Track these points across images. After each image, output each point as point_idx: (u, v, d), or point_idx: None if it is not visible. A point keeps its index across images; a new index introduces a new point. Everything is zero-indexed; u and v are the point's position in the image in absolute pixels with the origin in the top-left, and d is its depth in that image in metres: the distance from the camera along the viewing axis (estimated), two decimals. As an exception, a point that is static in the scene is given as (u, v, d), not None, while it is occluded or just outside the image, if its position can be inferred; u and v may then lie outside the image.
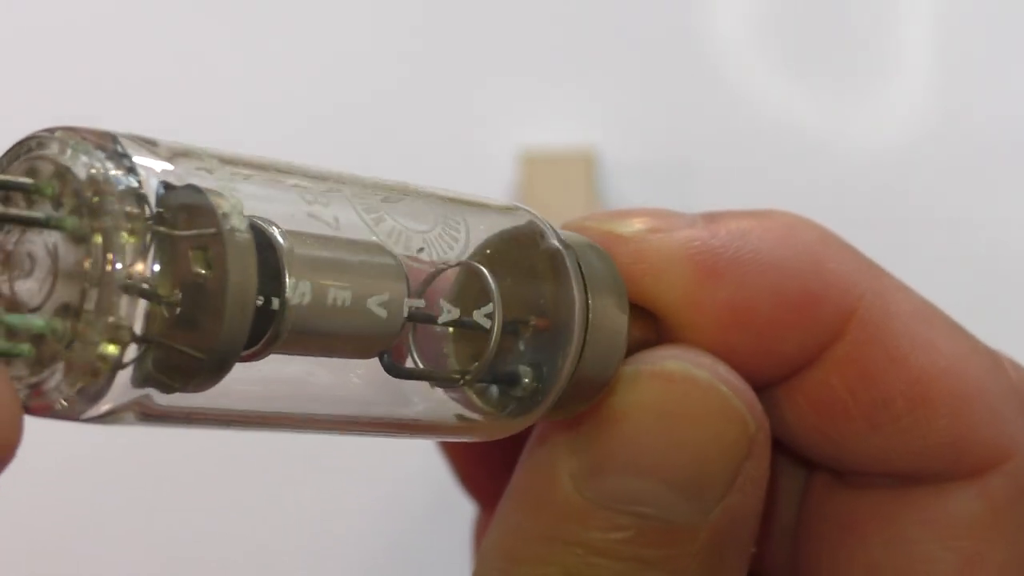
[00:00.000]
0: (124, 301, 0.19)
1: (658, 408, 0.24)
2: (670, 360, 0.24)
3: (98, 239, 0.20)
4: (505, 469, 0.26)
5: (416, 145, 0.63)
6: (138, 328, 0.20)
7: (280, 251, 0.21)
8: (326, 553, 0.61)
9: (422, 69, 0.64)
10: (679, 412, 0.24)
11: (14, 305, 0.20)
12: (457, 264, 0.24)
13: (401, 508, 0.61)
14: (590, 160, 0.62)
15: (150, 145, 0.21)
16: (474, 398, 0.24)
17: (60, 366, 0.20)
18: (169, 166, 0.21)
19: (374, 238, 0.23)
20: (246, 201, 0.21)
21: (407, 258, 0.23)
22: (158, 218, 0.20)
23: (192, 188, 0.21)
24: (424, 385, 0.24)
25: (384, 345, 0.23)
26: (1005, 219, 0.63)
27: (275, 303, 0.21)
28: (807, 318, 0.25)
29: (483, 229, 0.25)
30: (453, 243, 0.24)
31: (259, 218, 0.21)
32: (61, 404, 0.20)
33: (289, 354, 0.22)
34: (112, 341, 0.20)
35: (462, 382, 0.24)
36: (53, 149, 0.20)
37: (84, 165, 0.20)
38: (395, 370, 0.24)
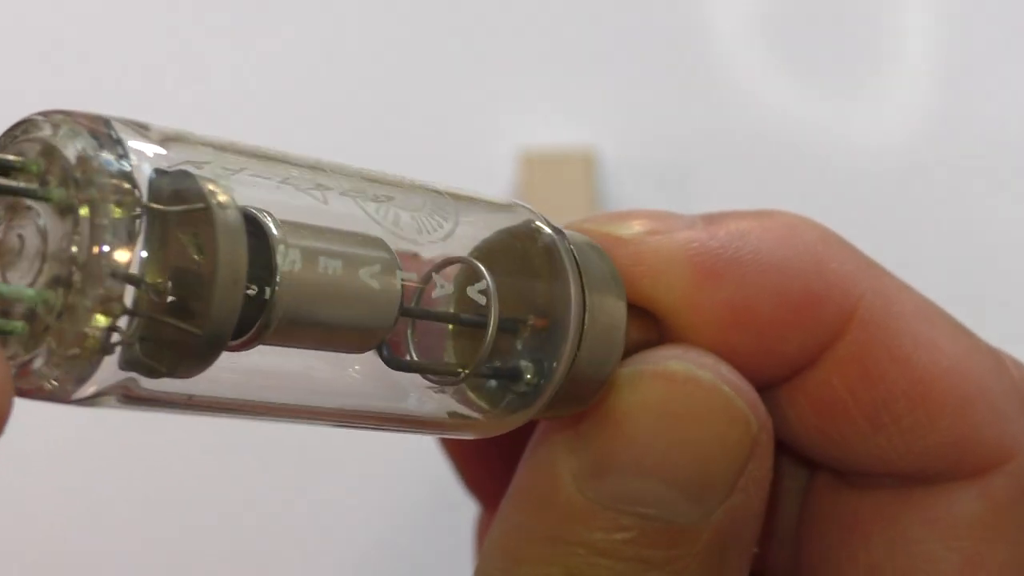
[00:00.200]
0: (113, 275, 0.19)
1: (661, 408, 0.24)
2: (673, 360, 0.24)
3: (85, 211, 0.19)
4: (507, 468, 0.26)
5: (416, 145, 0.63)
6: (128, 301, 0.20)
7: (272, 239, 0.21)
8: (326, 552, 0.61)
9: (422, 69, 0.64)
10: (682, 412, 0.24)
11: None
12: (454, 260, 0.24)
13: (403, 506, 0.61)
14: (590, 160, 0.62)
15: (142, 129, 0.21)
16: (471, 394, 0.24)
17: (50, 342, 0.20)
18: (161, 150, 0.21)
19: (372, 224, 0.23)
20: (238, 188, 0.21)
21: (403, 254, 0.23)
22: (149, 198, 0.20)
23: (183, 172, 0.21)
24: (421, 381, 0.24)
25: (379, 335, 0.23)
26: (1005, 219, 0.63)
27: (267, 293, 0.21)
28: (808, 318, 0.25)
29: (474, 221, 0.25)
30: (438, 227, 0.24)
31: (253, 207, 0.21)
32: (50, 384, 0.20)
33: (281, 345, 0.22)
34: (103, 312, 0.19)
35: (462, 375, 0.24)
36: (45, 131, 0.20)
37: (74, 146, 0.20)
38: (395, 363, 0.23)
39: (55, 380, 0.20)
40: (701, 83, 0.64)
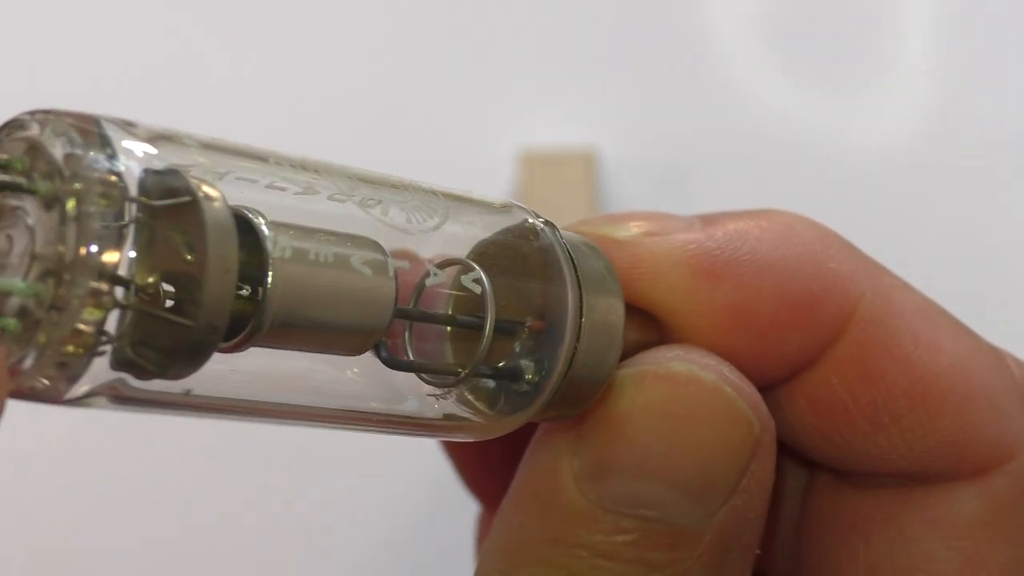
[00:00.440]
0: (102, 268, 0.19)
1: (662, 410, 0.24)
2: (675, 361, 0.24)
3: (71, 204, 0.19)
4: (508, 468, 0.26)
5: (416, 145, 0.63)
6: (119, 295, 0.19)
7: (263, 239, 0.21)
8: (326, 552, 0.61)
9: (422, 69, 0.64)
10: (684, 414, 0.24)
11: None
12: (451, 261, 0.24)
13: (403, 506, 0.61)
14: (590, 160, 0.62)
15: (131, 128, 0.21)
16: (468, 396, 0.24)
17: (41, 339, 0.19)
18: (151, 149, 0.20)
19: (361, 217, 0.23)
20: (229, 188, 0.21)
21: (399, 255, 0.23)
22: (138, 195, 0.20)
23: (173, 171, 0.20)
24: (416, 382, 0.24)
25: (373, 337, 0.23)
26: (1006, 218, 0.63)
27: (259, 294, 0.21)
28: (808, 318, 0.25)
29: (470, 222, 0.24)
30: (427, 218, 0.24)
31: (244, 207, 0.21)
32: (42, 383, 0.20)
33: (275, 347, 0.22)
34: (94, 306, 0.19)
35: (461, 375, 0.23)
36: (32, 130, 0.20)
37: (60, 144, 0.20)
38: (393, 362, 0.23)
39: (46, 379, 0.20)
40: (701, 83, 0.64)
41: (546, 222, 0.25)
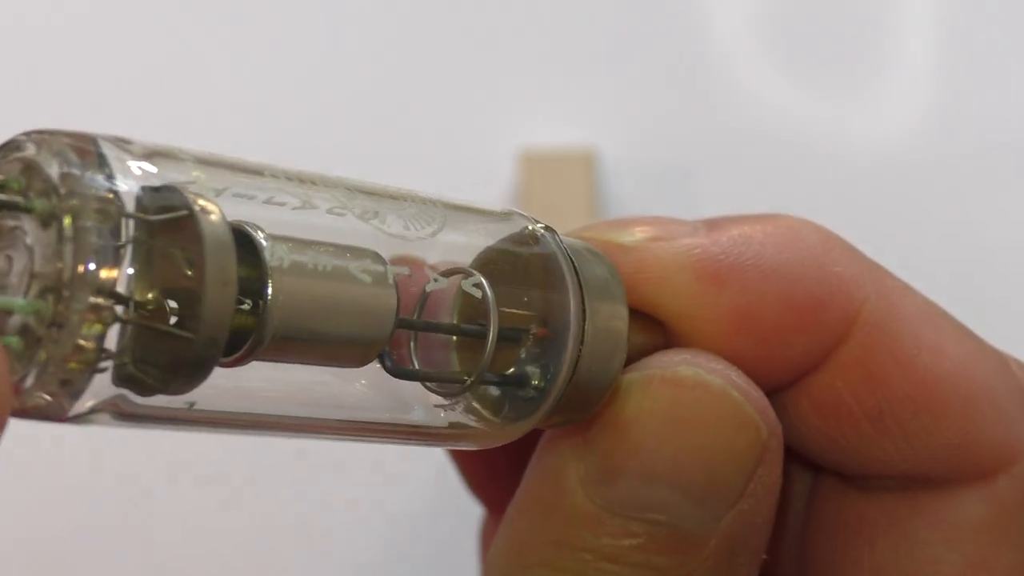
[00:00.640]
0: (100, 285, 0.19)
1: (669, 414, 0.24)
2: (682, 366, 0.24)
3: (68, 221, 0.19)
4: (513, 473, 0.26)
5: (416, 145, 0.63)
6: (119, 310, 0.20)
7: (262, 252, 0.21)
8: (327, 555, 0.61)
9: (422, 69, 0.64)
10: (691, 418, 0.24)
11: None
12: (455, 271, 0.24)
13: (407, 511, 0.61)
14: (590, 160, 0.62)
15: (128, 145, 0.21)
16: (474, 404, 0.24)
17: (42, 356, 0.19)
18: (149, 167, 0.21)
19: (359, 227, 0.23)
20: (228, 204, 0.21)
21: (400, 262, 0.23)
22: (135, 211, 0.20)
23: (170, 188, 0.20)
24: (423, 392, 0.24)
25: (375, 348, 0.23)
26: (1006, 218, 0.63)
27: (260, 307, 0.21)
28: (812, 322, 0.25)
29: (472, 231, 0.25)
30: (425, 226, 0.24)
31: (243, 222, 0.21)
32: (45, 399, 0.20)
33: (276, 360, 0.22)
34: (94, 321, 0.19)
35: (467, 383, 0.23)
36: (29, 151, 0.20)
37: (57, 163, 0.20)
38: (398, 371, 0.23)
39: (49, 395, 0.20)
40: (701, 83, 0.64)
41: (547, 228, 0.25)
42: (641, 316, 0.25)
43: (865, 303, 0.25)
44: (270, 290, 0.21)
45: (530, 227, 0.25)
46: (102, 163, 0.20)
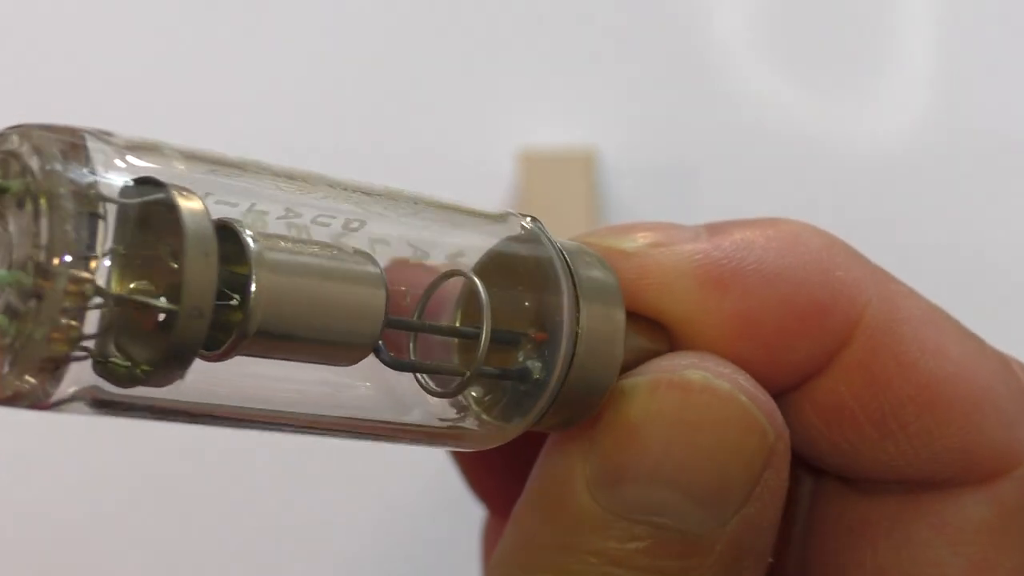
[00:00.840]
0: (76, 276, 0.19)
1: (676, 417, 0.24)
2: (690, 369, 0.24)
3: (44, 199, 0.19)
4: (514, 474, 0.26)
5: (416, 145, 0.63)
6: (100, 282, 0.20)
7: (245, 243, 0.21)
8: (327, 557, 0.61)
9: (422, 69, 0.64)
10: (698, 422, 0.24)
11: None
12: (451, 273, 0.24)
13: (408, 511, 0.61)
14: (590, 160, 0.62)
15: (108, 137, 0.21)
16: (469, 404, 0.24)
17: (25, 331, 0.19)
18: (136, 160, 0.21)
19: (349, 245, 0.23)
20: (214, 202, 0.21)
21: (397, 264, 0.23)
22: (119, 206, 0.20)
23: (154, 182, 0.21)
24: (419, 392, 0.24)
25: (363, 350, 0.22)
26: (1006, 219, 0.63)
27: (245, 302, 0.21)
28: (814, 327, 0.25)
29: (468, 235, 0.25)
30: (419, 231, 0.24)
31: (231, 219, 0.21)
32: (27, 383, 0.20)
33: (261, 356, 0.22)
34: (76, 291, 0.19)
35: (467, 375, 0.23)
36: (12, 143, 0.20)
37: (40, 155, 0.20)
38: (396, 363, 0.23)
39: (32, 378, 0.20)
40: (701, 83, 0.64)
41: (533, 219, 0.25)
42: (645, 320, 0.25)
43: (867, 307, 0.25)
44: (253, 284, 0.21)
45: (526, 229, 0.25)
46: (83, 154, 0.20)
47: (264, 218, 0.22)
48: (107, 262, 0.20)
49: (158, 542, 0.61)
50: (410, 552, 0.61)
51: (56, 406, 0.20)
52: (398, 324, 0.23)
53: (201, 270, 0.20)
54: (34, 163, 0.20)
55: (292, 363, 0.22)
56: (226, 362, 0.21)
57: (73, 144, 0.20)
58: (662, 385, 0.24)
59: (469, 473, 0.31)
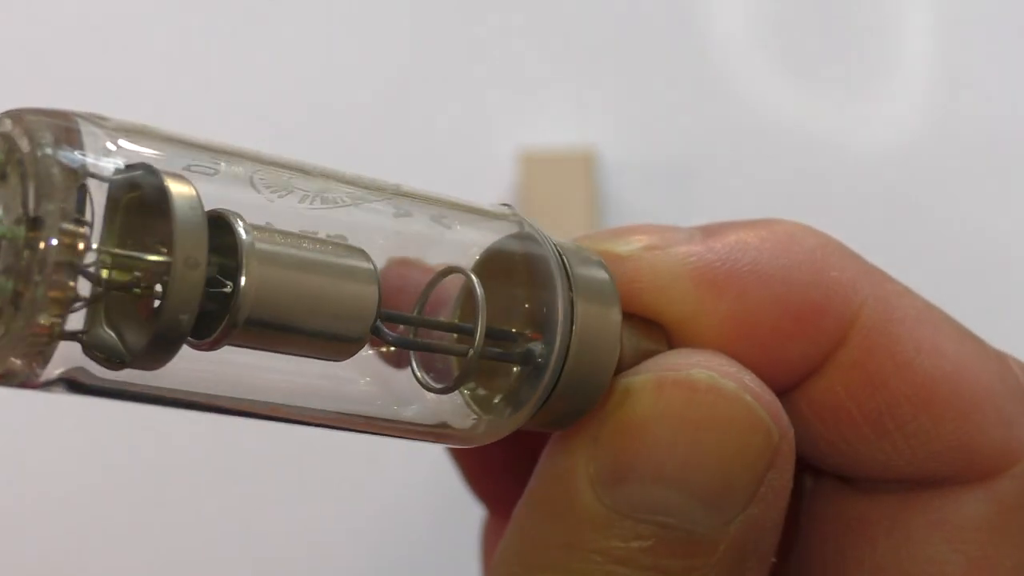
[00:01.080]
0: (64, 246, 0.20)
1: (682, 416, 0.24)
2: (696, 368, 0.24)
3: (33, 178, 0.20)
4: (515, 473, 0.26)
5: (416, 145, 0.63)
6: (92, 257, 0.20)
7: (237, 232, 0.21)
8: (329, 555, 0.61)
9: (422, 69, 0.64)
10: (703, 421, 0.24)
11: None
12: (449, 270, 0.24)
13: (408, 511, 0.61)
14: (590, 160, 0.62)
15: (101, 120, 0.21)
16: (466, 396, 0.24)
17: (13, 309, 0.20)
18: (129, 144, 0.21)
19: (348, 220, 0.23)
20: (203, 184, 0.21)
21: (397, 262, 0.23)
22: (110, 190, 0.20)
23: (147, 167, 0.21)
24: (415, 387, 0.24)
25: (354, 345, 0.23)
26: (1006, 218, 0.63)
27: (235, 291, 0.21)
28: (810, 327, 0.25)
29: (467, 232, 0.25)
30: (425, 227, 0.24)
31: (225, 209, 0.21)
32: (15, 363, 0.20)
33: (251, 347, 0.22)
34: (67, 245, 0.19)
35: (470, 354, 0.23)
36: (5, 127, 0.21)
37: (32, 137, 0.20)
38: (400, 342, 0.23)
39: (20, 358, 0.20)
40: (701, 83, 0.64)
41: (529, 226, 0.25)
42: (643, 320, 0.25)
43: (863, 306, 0.25)
44: (243, 273, 0.21)
45: (525, 228, 0.25)
46: (75, 136, 0.20)
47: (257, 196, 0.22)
48: (95, 244, 0.20)
49: (157, 542, 0.61)
50: (410, 552, 0.61)
51: (46, 386, 0.20)
52: (395, 318, 0.23)
53: (190, 223, 0.20)
54: (24, 144, 0.20)
55: (284, 355, 0.22)
56: (218, 351, 0.21)
57: (66, 128, 0.20)
58: (667, 384, 0.24)
59: (469, 473, 0.31)
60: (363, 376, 0.24)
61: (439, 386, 0.24)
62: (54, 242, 0.19)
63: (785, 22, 0.65)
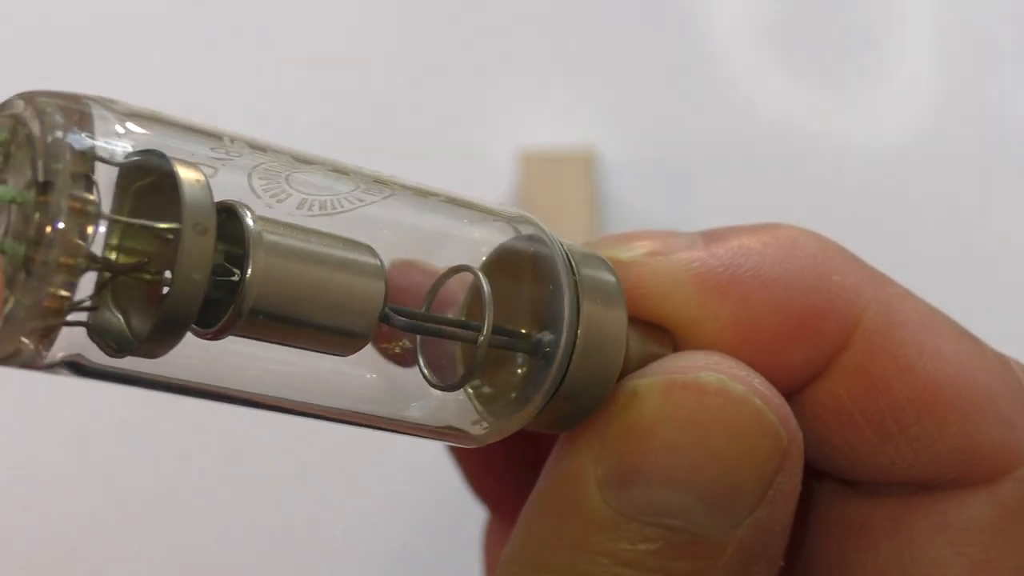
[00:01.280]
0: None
1: (690, 419, 0.24)
2: (705, 371, 0.24)
3: (42, 161, 0.20)
4: (517, 475, 0.26)
5: (416, 145, 0.63)
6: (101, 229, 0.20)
7: (244, 223, 0.21)
8: (328, 555, 0.61)
9: (422, 69, 0.64)
10: (712, 424, 0.24)
11: None
12: (458, 269, 0.24)
13: (409, 511, 0.61)
14: (590, 160, 0.62)
15: (111, 104, 0.21)
16: (471, 395, 0.24)
17: (26, 282, 0.20)
18: (137, 128, 0.21)
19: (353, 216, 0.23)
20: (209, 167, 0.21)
21: (402, 262, 0.23)
22: (120, 175, 0.20)
23: (157, 153, 0.21)
24: (419, 383, 0.24)
25: (359, 340, 0.23)
26: (1006, 218, 0.63)
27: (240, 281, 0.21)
28: (812, 331, 0.25)
29: (472, 227, 0.25)
30: (433, 222, 0.24)
31: (234, 201, 0.21)
32: (22, 342, 0.20)
33: (255, 338, 0.22)
34: (78, 215, 0.20)
35: (481, 339, 0.23)
36: (18, 108, 0.21)
37: (43, 120, 0.20)
38: (410, 327, 0.23)
39: (26, 338, 0.20)
40: (701, 83, 0.64)
41: (537, 226, 0.25)
42: (648, 323, 0.25)
43: (865, 310, 0.25)
44: (250, 263, 0.21)
45: (534, 230, 0.25)
46: (87, 119, 0.20)
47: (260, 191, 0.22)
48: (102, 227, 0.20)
49: (156, 541, 0.61)
50: (410, 552, 0.61)
51: (50, 368, 0.20)
52: (401, 314, 0.23)
53: (199, 197, 0.20)
54: (35, 126, 0.20)
55: (289, 348, 0.22)
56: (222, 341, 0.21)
57: (77, 110, 0.20)
58: (676, 386, 0.24)
59: (471, 474, 0.31)
60: (368, 372, 0.24)
61: (445, 383, 0.24)
62: (64, 204, 0.19)
63: (785, 22, 0.65)
